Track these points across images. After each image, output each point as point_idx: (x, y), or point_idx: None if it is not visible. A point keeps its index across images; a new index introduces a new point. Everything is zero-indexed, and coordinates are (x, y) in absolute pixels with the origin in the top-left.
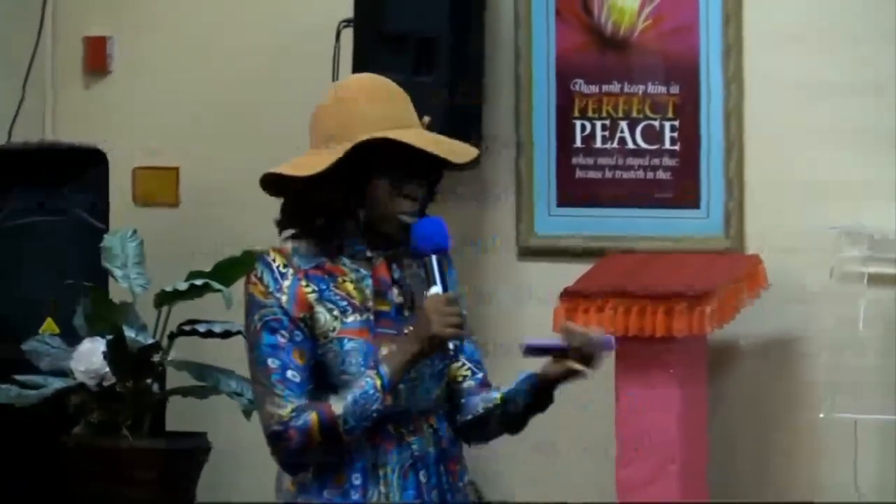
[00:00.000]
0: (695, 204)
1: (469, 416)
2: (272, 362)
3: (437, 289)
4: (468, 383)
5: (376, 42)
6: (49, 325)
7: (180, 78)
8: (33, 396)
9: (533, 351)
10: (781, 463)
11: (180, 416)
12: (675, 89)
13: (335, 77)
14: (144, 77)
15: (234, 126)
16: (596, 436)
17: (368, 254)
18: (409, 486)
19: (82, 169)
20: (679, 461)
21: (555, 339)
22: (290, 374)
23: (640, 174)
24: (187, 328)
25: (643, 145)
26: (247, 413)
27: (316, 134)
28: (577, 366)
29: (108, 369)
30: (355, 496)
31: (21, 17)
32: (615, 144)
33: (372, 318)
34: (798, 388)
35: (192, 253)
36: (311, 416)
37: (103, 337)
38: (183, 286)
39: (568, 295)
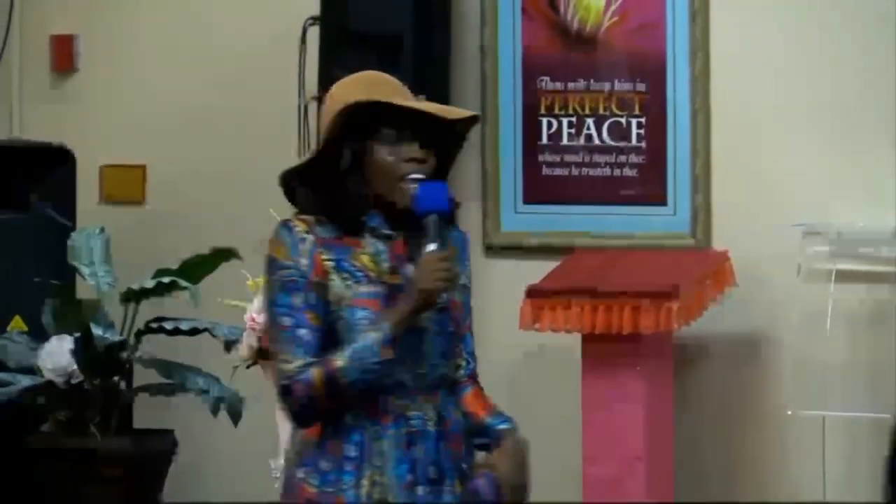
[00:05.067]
0: (662, 201)
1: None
2: (285, 321)
3: (431, 246)
4: (460, 373)
5: (341, 40)
6: (17, 323)
7: (147, 76)
8: (1, 394)
9: None
10: (749, 460)
11: (147, 414)
12: (641, 86)
13: (301, 75)
14: (111, 75)
15: (200, 124)
16: (562, 433)
17: (387, 231)
18: (405, 460)
19: (49, 167)
20: (646, 458)
21: None
22: (301, 332)
23: (607, 171)
24: (154, 325)
25: (610, 142)
26: (214, 411)
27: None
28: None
29: (75, 367)
30: (349, 468)
31: None
32: (582, 141)
33: (384, 290)
34: (765, 385)
35: (158, 250)
36: (314, 371)
37: (71, 335)
38: (150, 284)
39: (534, 293)
